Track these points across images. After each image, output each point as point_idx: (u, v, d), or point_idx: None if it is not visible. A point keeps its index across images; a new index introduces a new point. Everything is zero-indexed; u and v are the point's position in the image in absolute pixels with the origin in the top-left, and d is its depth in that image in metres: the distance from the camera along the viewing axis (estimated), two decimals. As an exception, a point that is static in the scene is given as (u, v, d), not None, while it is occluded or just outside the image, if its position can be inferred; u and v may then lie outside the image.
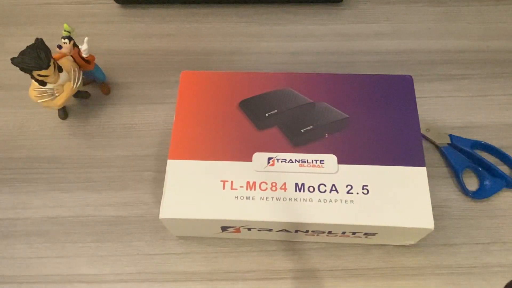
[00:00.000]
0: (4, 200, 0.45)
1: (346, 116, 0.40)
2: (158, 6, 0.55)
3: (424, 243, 0.41)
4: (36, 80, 0.41)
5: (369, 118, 0.40)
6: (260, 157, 0.38)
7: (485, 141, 0.46)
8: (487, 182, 0.44)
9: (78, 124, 0.48)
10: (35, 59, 0.39)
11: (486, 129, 0.47)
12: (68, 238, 0.43)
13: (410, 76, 0.42)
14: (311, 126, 0.39)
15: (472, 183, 0.45)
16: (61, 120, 0.48)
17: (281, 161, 0.38)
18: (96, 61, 0.47)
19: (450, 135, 0.46)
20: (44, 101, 0.43)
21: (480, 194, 0.43)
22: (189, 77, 0.42)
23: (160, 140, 0.47)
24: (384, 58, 0.52)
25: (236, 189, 0.37)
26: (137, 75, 0.51)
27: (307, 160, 0.38)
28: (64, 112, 0.48)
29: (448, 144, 0.46)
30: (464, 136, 0.46)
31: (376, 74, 0.42)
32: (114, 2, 0.54)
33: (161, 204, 0.37)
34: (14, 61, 0.38)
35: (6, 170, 0.46)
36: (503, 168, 0.45)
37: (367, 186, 0.37)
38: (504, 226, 0.42)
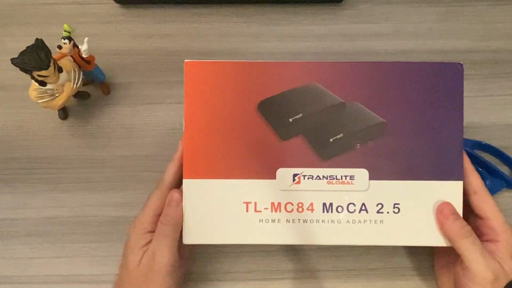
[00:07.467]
0: (4, 200, 0.45)
1: (382, 120, 0.35)
2: (158, 6, 0.55)
3: (424, 243, 0.41)
4: (36, 81, 0.41)
5: (407, 121, 0.35)
6: (284, 174, 0.35)
7: (485, 141, 0.46)
8: (487, 183, 0.44)
9: (78, 125, 0.48)
10: (35, 59, 0.39)
11: (486, 129, 0.47)
12: (68, 238, 0.43)
13: (461, 64, 0.35)
14: (341, 134, 0.35)
15: (472, 183, 0.45)
16: (61, 120, 0.48)
17: (308, 178, 0.35)
18: (96, 61, 0.47)
19: (450, 135, 0.46)
20: (44, 101, 0.42)
21: (480, 194, 0.43)
22: (195, 68, 0.36)
23: (160, 140, 0.47)
24: (384, 59, 0.52)
25: (260, 211, 0.34)
26: (137, 75, 0.51)
27: (336, 176, 0.35)
28: (64, 113, 0.48)
29: (448, 144, 0.46)
30: (464, 136, 0.46)
31: (418, 62, 0.36)
32: (114, 2, 0.54)
33: (183, 229, 0.35)
34: (14, 61, 0.38)
35: (6, 170, 0.46)
36: (503, 168, 0.45)
37: (398, 204, 0.34)
38: (504, 226, 0.42)
